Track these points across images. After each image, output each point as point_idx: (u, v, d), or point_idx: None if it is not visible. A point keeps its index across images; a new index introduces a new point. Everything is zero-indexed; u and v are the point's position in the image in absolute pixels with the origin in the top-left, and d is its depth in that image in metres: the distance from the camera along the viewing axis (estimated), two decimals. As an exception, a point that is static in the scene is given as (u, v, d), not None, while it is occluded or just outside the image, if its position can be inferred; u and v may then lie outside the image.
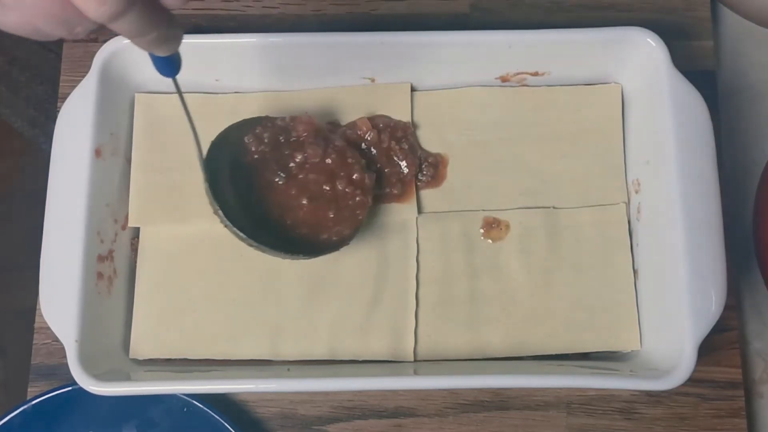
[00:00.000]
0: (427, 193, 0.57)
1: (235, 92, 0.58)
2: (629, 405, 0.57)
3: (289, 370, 0.53)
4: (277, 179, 0.53)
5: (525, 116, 0.58)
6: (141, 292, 0.55)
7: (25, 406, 0.55)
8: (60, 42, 0.62)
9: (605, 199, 0.57)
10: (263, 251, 0.50)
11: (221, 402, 0.56)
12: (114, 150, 0.55)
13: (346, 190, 0.53)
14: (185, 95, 0.48)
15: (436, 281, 0.55)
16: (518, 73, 0.58)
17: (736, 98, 0.63)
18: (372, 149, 0.56)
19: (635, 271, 0.55)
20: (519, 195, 0.57)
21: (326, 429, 0.57)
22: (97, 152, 0.53)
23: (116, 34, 0.53)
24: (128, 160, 0.57)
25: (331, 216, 0.53)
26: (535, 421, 0.57)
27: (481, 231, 0.56)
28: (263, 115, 0.55)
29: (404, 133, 0.57)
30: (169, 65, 0.43)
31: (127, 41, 0.53)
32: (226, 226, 0.50)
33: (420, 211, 0.56)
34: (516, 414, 0.57)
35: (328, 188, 0.53)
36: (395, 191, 0.56)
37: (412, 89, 0.58)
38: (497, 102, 0.58)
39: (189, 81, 0.57)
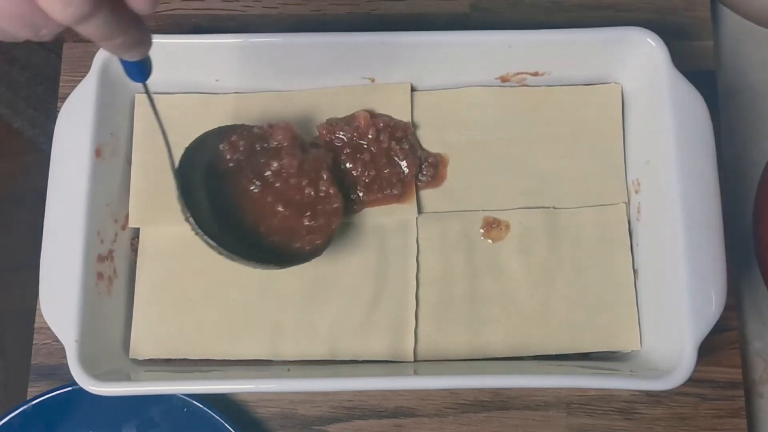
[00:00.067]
0: (427, 193, 0.57)
1: (235, 92, 0.58)
2: (629, 405, 0.57)
3: (289, 370, 0.53)
4: (252, 187, 0.52)
5: (525, 116, 0.58)
6: (141, 292, 0.55)
7: (25, 406, 0.55)
8: (60, 42, 0.62)
9: (605, 199, 0.57)
10: (234, 260, 0.50)
11: (221, 402, 0.56)
12: (114, 150, 0.55)
13: (320, 197, 0.53)
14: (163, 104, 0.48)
15: (436, 281, 0.55)
16: (518, 73, 0.58)
17: (736, 98, 0.63)
18: (372, 148, 0.56)
19: (635, 271, 0.55)
20: (519, 195, 0.57)
21: (326, 429, 0.57)
22: (97, 152, 0.53)
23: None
24: (128, 160, 0.57)
25: (305, 224, 0.52)
26: (535, 421, 0.57)
27: (481, 231, 0.56)
28: (240, 123, 0.55)
29: (404, 133, 0.57)
30: (139, 70, 0.42)
31: (127, 41, 0.54)
32: (197, 233, 0.49)
33: (420, 211, 0.56)
34: (516, 414, 0.57)
35: (301, 197, 0.53)
36: (395, 191, 0.56)
37: (412, 89, 0.58)
38: (497, 102, 0.58)
39: (189, 81, 0.57)
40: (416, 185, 0.57)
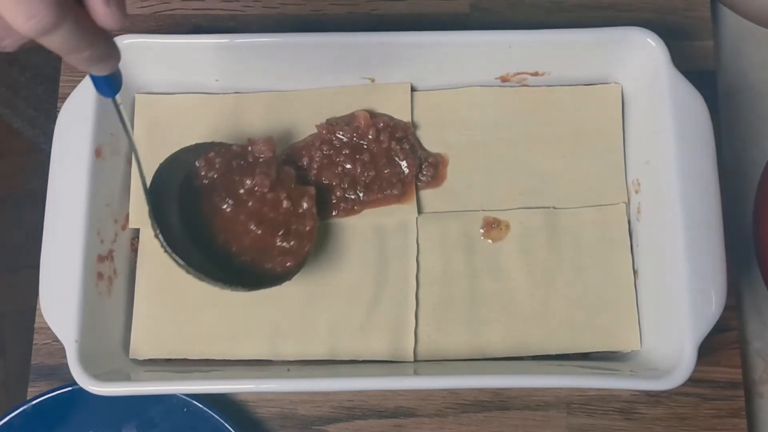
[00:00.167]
0: (427, 194, 0.57)
1: (235, 92, 0.58)
2: (629, 405, 0.57)
3: (289, 370, 0.53)
4: (224, 206, 0.52)
5: (525, 116, 0.58)
6: (141, 292, 0.55)
7: (25, 406, 0.55)
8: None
9: (605, 199, 0.57)
10: (201, 280, 0.49)
11: (221, 402, 0.56)
12: (114, 150, 0.55)
13: (294, 217, 0.53)
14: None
15: (436, 281, 0.55)
16: (518, 73, 0.58)
17: (736, 98, 0.63)
18: (372, 148, 0.56)
19: (635, 271, 0.55)
20: (519, 195, 0.57)
21: (326, 429, 0.57)
22: (97, 152, 0.53)
23: (118, 35, 0.54)
24: (128, 160, 0.57)
25: (277, 244, 0.52)
26: (535, 421, 0.57)
27: (481, 231, 0.56)
28: (219, 141, 0.54)
29: (404, 133, 0.57)
30: (108, 85, 0.42)
31: (126, 41, 0.54)
32: (165, 251, 0.49)
33: (420, 211, 0.56)
34: (516, 414, 0.57)
35: (275, 215, 0.52)
36: (395, 191, 0.56)
37: (412, 89, 0.58)
38: (497, 102, 0.58)
39: (189, 81, 0.57)
40: (416, 185, 0.57)
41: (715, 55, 0.63)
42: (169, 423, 0.55)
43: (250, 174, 0.52)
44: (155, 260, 0.56)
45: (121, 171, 0.56)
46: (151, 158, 0.57)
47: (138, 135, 0.57)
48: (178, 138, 0.57)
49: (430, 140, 0.58)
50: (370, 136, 0.56)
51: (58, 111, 0.54)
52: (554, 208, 0.57)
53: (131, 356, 0.54)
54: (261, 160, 0.53)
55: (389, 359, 0.54)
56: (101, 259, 0.53)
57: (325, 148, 0.56)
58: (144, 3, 0.64)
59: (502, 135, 0.58)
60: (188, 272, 0.49)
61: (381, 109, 0.58)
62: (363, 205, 0.56)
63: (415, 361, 0.54)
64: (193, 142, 0.57)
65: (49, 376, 0.57)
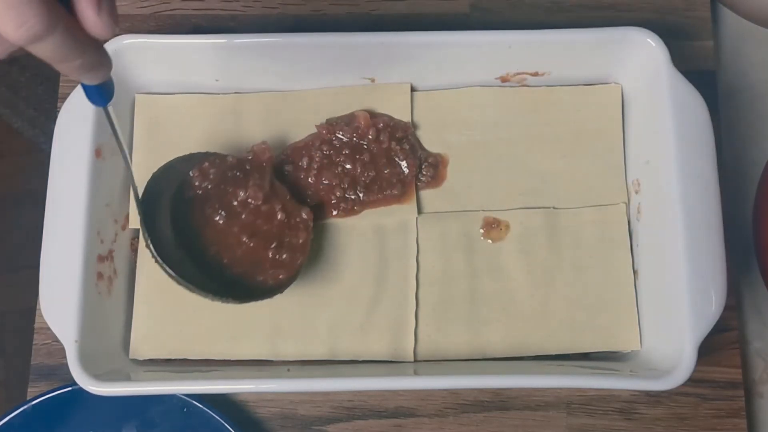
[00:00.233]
0: (427, 194, 0.57)
1: (235, 92, 0.58)
2: (629, 405, 0.57)
3: (289, 370, 0.53)
4: (217, 217, 0.52)
5: (525, 116, 0.58)
6: (141, 292, 0.55)
7: (25, 406, 0.55)
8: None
9: (605, 199, 0.57)
10: (191, 290, 0.49)
11: (221, 402, 0.56)
12: (114, 150, 0.55)
13: (286, 231, 0.52)
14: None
15: (436, 281, 0.55)
16: (518, 73, 0.58)
17: (736, 98, 0.63)
18: (372, 148, 0.56)
19: (635, 271, 0.55)
20: (519, 195, 0.57)
21: (326, 429, 0.57)
22: (97, 152, 0.53)
23: (118, 35, 0.54)
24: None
25: (270, 257, 0.52)
26: (535, 421, 0.57)
27: (481, 231, 0.56)
28: (213, 151, 0.54)
29: (404, 133, 0.57)
30: (99, 94, 0.41)
31: (126, 41, 0.54)
32: (156, 261, 0.49)
33: (420, 211, 0.56)
34: (516, 414, 0.57)
35: (268, 227, 0.52)
36: (395, 192, 0.56)
37: (412, 89, 0.58)
38: (497, 102, 0.58)
39: (189, 81, 0.57)
40: (416, 185, 0.57)
41: (715, 55, 0.63)
42: (169, 423, 0.55)
43: (244, 185, 0.52)
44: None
45: (121, 171, 0.56)
46: (151, 158, 0.57)
47: (138, 135, 0.57)
48: (178, 138, 0.57)
49: (430, 140, 0.58)
50: (370, 136, 0.56)
51: (58, 111, 0.54)
52: (554, 208, 0.57)
53: (131, 356, 0.54)
54: (261, 165, 0.53)
55: (389, 359, 0.54)
56: (101, 259, 0.53)
57: (325, 148, 0.56)
58: (144, 3, 0.64)
59: (502, 135, 0.58)
60: (179, 283, 0.49)
61: (381, 109, 0.58)
62: (363, 205, 0.56)
63: (415, 361, 0.54)
64: (193, 142, 0.57)
65: (49, 376, 0.57)
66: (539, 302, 0.55)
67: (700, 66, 0.62)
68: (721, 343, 0.58)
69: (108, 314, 0.54)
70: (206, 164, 0.52)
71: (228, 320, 0.55)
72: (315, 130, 0.57)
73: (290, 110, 0.58)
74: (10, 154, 1.27)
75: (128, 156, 0.49)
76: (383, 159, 0.56)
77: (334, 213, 0.56)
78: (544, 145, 0.58)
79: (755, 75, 0.64)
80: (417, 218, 0.56)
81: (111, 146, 0.55)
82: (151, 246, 0.49)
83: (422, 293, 0.55)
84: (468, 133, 0.58)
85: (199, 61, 0.56)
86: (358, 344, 0.54)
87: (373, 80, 0.58)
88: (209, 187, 0.52)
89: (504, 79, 0.58)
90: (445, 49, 0.56)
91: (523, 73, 0.58)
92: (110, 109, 0.44)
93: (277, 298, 0.54)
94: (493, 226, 0.56)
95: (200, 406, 0.54)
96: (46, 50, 0.33)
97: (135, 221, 0.56)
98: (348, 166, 0.56)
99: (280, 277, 0.52)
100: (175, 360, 0.55)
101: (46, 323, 0.51)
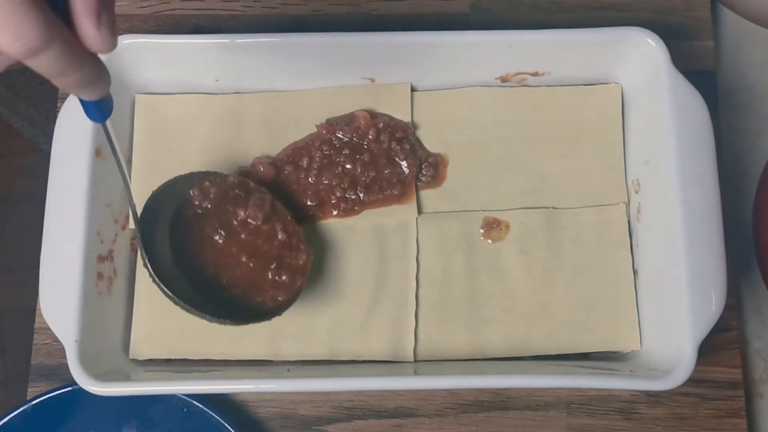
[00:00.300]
0: (427, 194, 0.57)
1: (235, 92, 0.58)
2: (629, 405, 0.57)
3: (289, 370, 0.53)
4: (216, 236, 0.51)
5: (525, 116, 0.58)
6: (141, 292, 0.55)
7: (25, 406, 0.55)
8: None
9: (605, 199, 0.57)
10: (188, 311, 0.49)
11: (221, 402, 0.56)
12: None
13: (286, 252, 0.52)
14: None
15: (436, 281, 0.55)
16: (518, 73, 0.58)
17: (736, 98, 0.63)
18: (372, 148, 0.56)
19: (635, 271, 0.55)
20: (519, 195, 0.57)
21: (326, 429, 0.57)
22: (97, 152, 0.53)
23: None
24: (128, 161, 0.57)
25: (269, 277, 0.51)
26: (535, 421, 0.57)
27: (481, 231, 0.56)
28: (214, 170, 0.54)
29: (404, 133, 0.57)
30: (97, 110, 0.40)
31: (126, 41, 0.54)
32: (153, 281, 0.49)
33: (420, 211, 0.56)
34: (516, 414, 0.57)
35: (268, 248, 0.52)
36: (395, 192, 0.56)
37: (412, 89, 0.58)
38: (497, 102, 0.58)
39: (189, 81, 0.57)
40: (416, 185, 0.57)
41: (715, 55, 0.63)
42: (169, 423, 0.55)
43: (244, 205, 0.52)
44: (155, 260, 0.56)
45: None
46: (151, 158, 0.57)
47: (138, 135, 0.57)
48: (178, 138, 0.57)
49: (430, 140, 0.58)
50: (370, 136, 0.56)
51: (58, 111, 0.54)
52: (554, 208, 0.57)
53: (131, 356, 0.54)
54: (261, 186, 0.53)
55: (389, 359, 0.54)
56: (101, 259, 0.53)
57: (325, 148, 0.56)
58: (144, 3, 0.64)
59: (502, 135, 0.58)
60: (176, 303, 0.49)
61: (381, 109, 0.58)
62: (363, 205, 0.56)
63: (415, 361, 0.54)
64: (192, 143, 0.57)
65: (49, 376, 0.57)
66: (539, 302, 0.55)
67: (700, 66, 0.62)
68: (721, 343, 0.58)
69: (108, 314, 0.54)
70: (207, 183, 0.52)
71: (228, 320, 0.55)
72: (315, 130, 0.57)
73: (290, 110, 0.58)
74: (10, 154, 1.27)
75: (127, 174, 0.48)
76: (383, 159, 0.56)
77: (334, 213, 0.56)
78: (544, 145, 0.58)
79: (755, 75, 0.64)
80: (417, 218, 0.56)
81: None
82: (148, 265, 0.48)
83: (422, 293, 0.55)
84: (468, 133, 0.58)
85: (199, 61, 0.56)
86: (358, 344, 0.54)
87: (373, 80, 0.58)
88: (209, 206, 0.52)
89: (504, 79, 0.58)
90: (445, 49, 0.56)
91: (523, 73, 0.58)
92: (108, 124, 0.43)
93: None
94: (493, 226, 0.56)
95: (200, 406, 0.54)
96: (43, 64, 0.32)
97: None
98: (348, 166, 0.56)
99: (279, 298, 0.51)
100: (175, 360, 0.55)
101: (46, 323, 0.51)
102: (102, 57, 0.55)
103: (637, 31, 0.54)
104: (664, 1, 0.64)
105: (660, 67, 0.53)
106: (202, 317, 0.49)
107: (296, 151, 0.57)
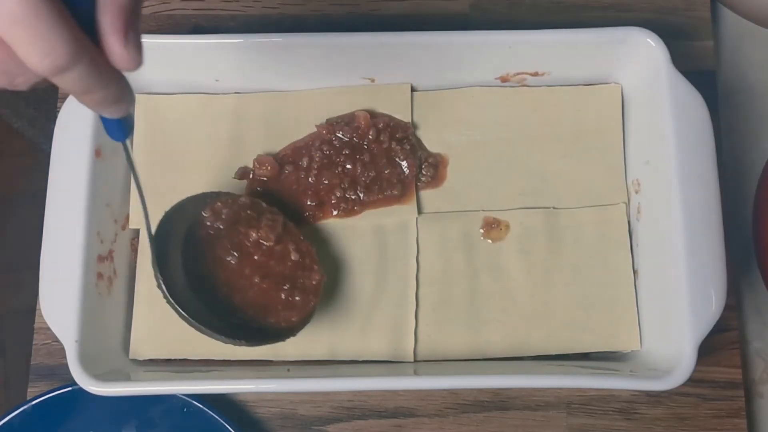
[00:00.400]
0: (427, 194, 0.57)
1: (235, 92, 0.58)
2: (629, 405, 0.57)
3: (289, 370, 0.53)
4: (228, 257, 0.51)
5: (525, 116, 0.58)
6: (141, 292, 0.55)
7: (25, 406, 0.55)
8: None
9: (605, 199, 0.57)
10: (202, 332, 0.48)
11: (221, 402, 0.56)
12: (114, 150, 0.55)
13: (299, 272, 0.52)
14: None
15: (436, 281, 0.55)
16: (518, 73, 0.58)
17: (736, 98, 0.63)
18: (372, 148, 0.56)
19: (635, 271, 0.55)
20: (519, 195, 0.57)
21: (326, 429, 0.57)
22: (97, 152, 0.53)
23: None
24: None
25: (282, 298, 0.51)
26: (535, 421, 0.57)
27: (481, 231, 0.56)
28: (224, 191, 0.54)
29: (405, 134, 0.57)
30: (119, 128, 0.40)
31: (127, 41, 0.54)
32: (168, 302, 0.48)
33: (420, 211, 0.56)
34: (516, 414, 0.57)
35: (281, 269, 0.52)
36: (395, 192, 0.56)
37: (412, 89, 0.58)
38: (497, 102, 0.58)
39: (189, 81, 0.57)
40: (416, 185, 0.57)
41: (715, 55, 0.63)
42: (169, 423, 0.55)
43: (256, 226, 0.52)
44: (155, 260, 0.56)
45: (121, 171, 0.56)
46: (151, 159, 0.57)
47: (138, 135, 0.57)
48: (178, 138, 0.57)
49: (430, 140, 0.58)
50: (370, 136, 0.56)
51: (58, 111, 0.54)
52: (554, 208, 0.57)
53: (131, 356, 0.54)
54: (263, 179, 0.53)
55: (389, 359, 0.54)
56: (101, 259, 0.53)
57: (325, 148, 0.56)
58: (144, 3, 0.63)
59: (502, 135, 0.58)
60: (190, 324, 0.48)
61: (381, 109, 0.58)
62: (363, 205, 0.56)
63: (415, 361, 0.54)
64: (193, 143, 0.57)
65: (49, 376, 0.57)
66: (539, 302, 0.55)
67: (700, 66, 0.62)
68: (721, 343, 0.58)
69: (108, 314, 0.54)
70: (218, 204, 0.52)
71: (228, 320, 0.54)
72: (315, 130, 0.57)
73: (290, 110, 0.58)
74: (10, 154, 1.26)
75: (143, 192, 0.47)
76: (383, 159, 0.56)
77: (334, 213, 0.56)
78: (544, 145, 0.58)
79: (755, 75, 0.64)
80: (417, 218, 0.56)
81: (111, 146, 0.55)
82: (163, 286, 0.48)
83: (422, 293, 0.55)
84: (468, 133, 0.58)
85: (199, 61, 0.56)
86: (358, 344, 0.54)
87: (373, 80, 0.58)
88: (221, 227, 0.52)
89: (504, 79, 0.58)
90: (445, 49, 0.56)
91: (523, 73, 0.58)
92: (128, 143, 0.43)
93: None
94: (493, 226, 0.56)
95: (200, 406, 0.54)
96: (70, 82, 0.32)
97: (135, 221, 0.56)
98: (348, 166, 0.56)
99: (293, 319, 0.51)
100: (175, 360, 0.55)
101: (46, 323, 0.51)
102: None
103: (638, 31, 0.54)
104: (664, 1, 0.64)
105: (660, 67, 0.53)
106: (217, 338, 0.48)
107: (296, 151, 0.57)
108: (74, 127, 0.53)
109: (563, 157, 0.57)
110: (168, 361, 0.55)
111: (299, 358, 0.54)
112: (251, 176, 0.56)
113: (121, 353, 0.54)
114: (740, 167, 0.61)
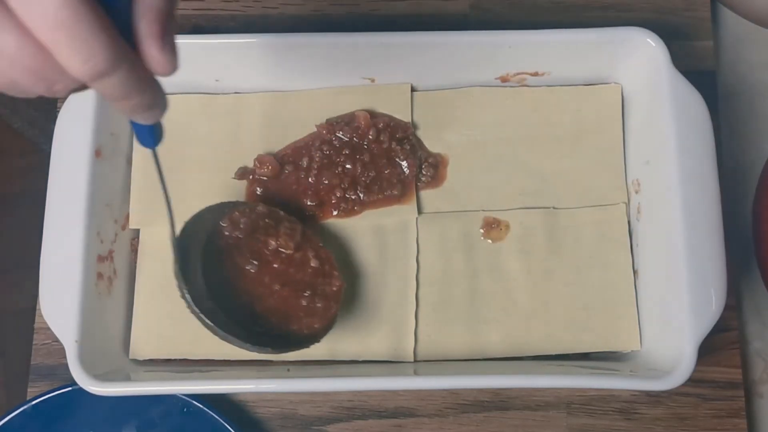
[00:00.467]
0: (427, 194, 0.57)
1: (235, 92, 0.58)
2: (629, 405, 0.57)
3: (289, 370, 0.53)
4: (248, 266, 0.51)
5: (525, 116, 0.58)
6: (141, 292, 0.55)
7: (25, 406, 0.55)
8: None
9: (605, 199, 0.57)
10: (229, 341, 0.48)
11: (221, 402, 0.56)
12: (114, 150, 0.55)
13: (319, 279, 0.52)
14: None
15: (436, 281, 0.55)
16: (518, 73, 0.58)
17: (736, 98, 0.63)
18: (372, 148, 0.56)
19: (635, 271, 0.55)
20: (519, 195, 0.57)
21: (326, 429, 0.57)
22: (97, 152, 0.53)
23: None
24: (128, 161, 0.57)
25: (303, 305, 0.51)
26: (535, 421, 0.57)
27: (481, 231, 0.56)
28: (242, 200, 0.54)
29: (405, 134, 0.57)
30: (150, 135, 0.40)
31: (127, 41, 0.54)
32: (192, 312, 0.48)
33: (420, 211, 0.56)
34: (516, 414, 0.57)
35: (301, 276, 0.52)
36: (395, 192, 0.56)
37: (412, 89, 0.58)
38: (497, 102, 0.58)
39: (189, 81, 0.57)
40: (416, 185, 0.57)
41: (714, 56, 0.63)
42: (169, 423, 0.55)
43: (275, 234, 0.52)
44: (155, 260, 0.56)
45: (121, 171, 0.56)
46: (151, 159, 0.57)
47: (138, 135, 0.57)
48: (178, 138, 0.57)
49: (430, 140, 0.58)
50: (370, 136, 0.56)
51: (58, 111, 0.54)
52: (554, 208, 0.57)
53: (131, 356, 0.54)
54: (264, 178, 0.53)
55: (389, 359, 0.54)
56: (101, 259, 0.53)
57: (325, 148, 0.56)
58: (144, 3, 0.64)
59: (502, 135, 0.58)
60: (215, 333, 0.48)
61: (381, 109, 0.58)
62: (363, 205, 0.56)
63: (415, 361, 0.54)
64: (193, 142, 0.57)
65: (49, 376, 0.57)
66: (539, 302, 0.55)
67: (700, 66, 0.62)
68: (721, 343, 0.58)
69: (108, 314, 0.54)
70: (236, 213, 0.52)
71: (228, 320, 0.54)
72: (315, 130, 0.57)
73: (290, 110, 0.58)
74: (10, 154, 1.26)
75: (170, 204, 0.47)
76: (383, 159, 0.56)
77: (334, 213, 0.56)
78: (544, 145, 0.58)
79: (755, 75, 0.64)
80: (417, 218, 0.56)
81: (111, 146, 0.55)
82: (187, 296, 0.48)
83: (422, 293, 0.55)
84: (468, 133, 0.58)
85: (199, 61, 0.56)
86: (358, 344, 0.54)
87: (373, 80, 0.58)
88: (240, 236, 0.52)
89: (504, 79, 0.58)
90: (445, 49, 0.56)
91: (523, 73, 0.58)
92: (157, 151, 0.42)
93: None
94: (493, 226, 0.56)
95: (200, 406, 0.54)
96: (108, 87, 0.32)
97: (135, 221, 0.56)
98: (348, 166, 0.56)
99: (316, 326, 0.51)
100: (175, 360, 0.55)
101: (46, 323, 0.51)
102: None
103: (638, 31, 0.54)
104: (664, 1, 0.64)
105: (660, 67, 0.53)
106: (243, 347, 0.48)
107: (296, 151, 0.57)
108: (74, 127, 0.53)
109: (563, 157, 0.57)
110: (168, 361, 0.55)
111: (299, 359, 0.54)
112: (251, 176, 0.56)
113: (121, 353, 0.54)
114: (740, 167, 0.61)
